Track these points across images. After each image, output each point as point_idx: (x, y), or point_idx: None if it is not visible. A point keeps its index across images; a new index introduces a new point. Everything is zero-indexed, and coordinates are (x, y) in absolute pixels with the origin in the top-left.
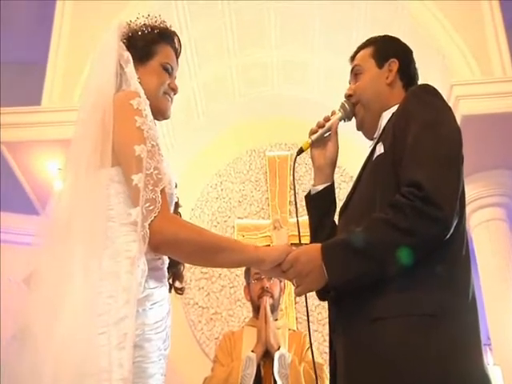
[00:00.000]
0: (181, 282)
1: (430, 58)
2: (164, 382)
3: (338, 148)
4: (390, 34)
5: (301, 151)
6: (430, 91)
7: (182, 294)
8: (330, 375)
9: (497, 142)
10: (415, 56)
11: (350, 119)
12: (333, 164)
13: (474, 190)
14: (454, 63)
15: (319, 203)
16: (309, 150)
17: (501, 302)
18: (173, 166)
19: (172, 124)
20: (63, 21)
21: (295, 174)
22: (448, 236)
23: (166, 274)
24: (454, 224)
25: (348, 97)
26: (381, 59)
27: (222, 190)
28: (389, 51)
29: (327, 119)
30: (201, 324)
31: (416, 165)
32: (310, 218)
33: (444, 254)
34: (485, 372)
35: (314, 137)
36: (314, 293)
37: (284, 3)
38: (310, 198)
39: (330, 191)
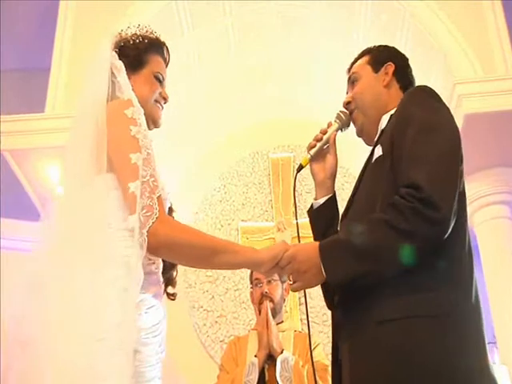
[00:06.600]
0: (173, 287)
1: (433, 57)
2: None
3: (337, 159)
4: (384, 44)
5: (301, 168)
6: (427, 92)
7: (174, 300)
8: (334, 379)
9: (500, 140)
10: (418, 54)
11: (346, 128)
12: (333, 176)
13: (477, 188)
14: (457, 62)
15: (322, 215)
16: (308, 165)
17: (506, 299)
18: (176, 170)
19: (175, 127)
20: (66, 27)
21: (298, 175)
22: (447, 236)
23: (161, 278)
24: (452, 224)
25: (346, 104)
26: (377, 64)
27: (225, 192)
28: (384, 56)
29: (324, 132)
30: (206, 327)
31: (414, 166)
32: (314, 232)
33: (446, 254)
34: (489, 371)
35: (312, 151)
36: (323, 300)
37: (286, 5)
38: (312, 211)
39: (332, 202)
